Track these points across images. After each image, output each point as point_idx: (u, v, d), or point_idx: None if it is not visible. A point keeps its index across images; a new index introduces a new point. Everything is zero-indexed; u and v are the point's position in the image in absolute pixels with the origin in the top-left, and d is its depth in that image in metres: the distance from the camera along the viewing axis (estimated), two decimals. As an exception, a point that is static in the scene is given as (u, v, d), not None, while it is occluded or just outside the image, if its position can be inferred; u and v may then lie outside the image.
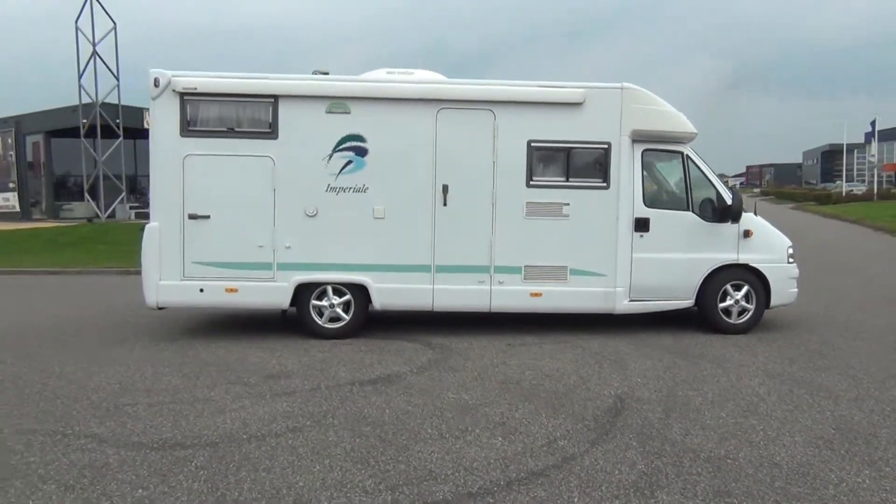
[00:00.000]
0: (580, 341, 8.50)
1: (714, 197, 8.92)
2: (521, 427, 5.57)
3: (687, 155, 8.94)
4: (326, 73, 8.99)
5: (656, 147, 8.88)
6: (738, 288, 8.95)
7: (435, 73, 9.14)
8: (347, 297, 8.68)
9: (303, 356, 7.87)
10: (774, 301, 9.01)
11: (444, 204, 8.58)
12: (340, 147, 8.52)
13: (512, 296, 8.69)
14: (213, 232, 8.47)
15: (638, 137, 8.69)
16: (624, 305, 8.79)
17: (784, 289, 9.03)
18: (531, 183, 8.61)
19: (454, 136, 8.54)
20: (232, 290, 8.54)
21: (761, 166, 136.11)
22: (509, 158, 8.58)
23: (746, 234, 8.90)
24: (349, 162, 8.53)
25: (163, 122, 8.43)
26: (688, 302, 8.96)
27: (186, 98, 8.40)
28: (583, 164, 8.73)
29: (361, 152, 8.53)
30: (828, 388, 6.60)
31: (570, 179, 8.66)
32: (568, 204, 8.65)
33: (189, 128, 8.44)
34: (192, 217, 8.46)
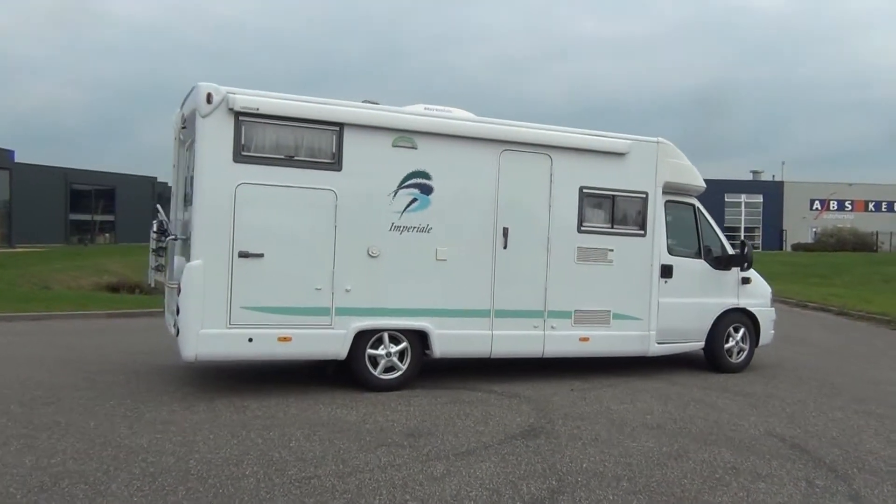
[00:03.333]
0: (627, 383, 8.73)
1: (719, 246, 9.76)
2: (759, 471, 5.65)
3: (697, 206, 9.69)
4: (376, 103, 8.33)
5: (675, 198, 9.50)
6: (736, 330, 9.79)
7: (468, 112, 8.93)
8: (403, 344, 8.03)
9: (391, 411, 7.09)
10: (761, 342, 10.01)
11: (505, 247, 8.35)
12: (406, 183, 7.95)
13: (563, 340, 8.67)
14: (266, 272, 7.38)
15: (665, 189, 9.23)
16: (656, 348, 9.19)
17: (768, 330, 10.08)
18: (582, 228, 8.73)
19: (515, 179, 8.40)
20: (285, 339, 7.48)
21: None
22: (563, 203, 8.63)
23: (745, 280, 9.83)
24: (414, 199, 7.98)
25: (213, 145, 7.23)
26: (700, 343, 9.62)
27: (242, 119, 7.31)
28: (625, 212, 9.06)
29: (427, 190, 8.03)
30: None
31: (615, 226, 8.93)
32: (612, 250, 8.89)
33: (244, 153, 7.33)
34: (243, 255, 7.30)
